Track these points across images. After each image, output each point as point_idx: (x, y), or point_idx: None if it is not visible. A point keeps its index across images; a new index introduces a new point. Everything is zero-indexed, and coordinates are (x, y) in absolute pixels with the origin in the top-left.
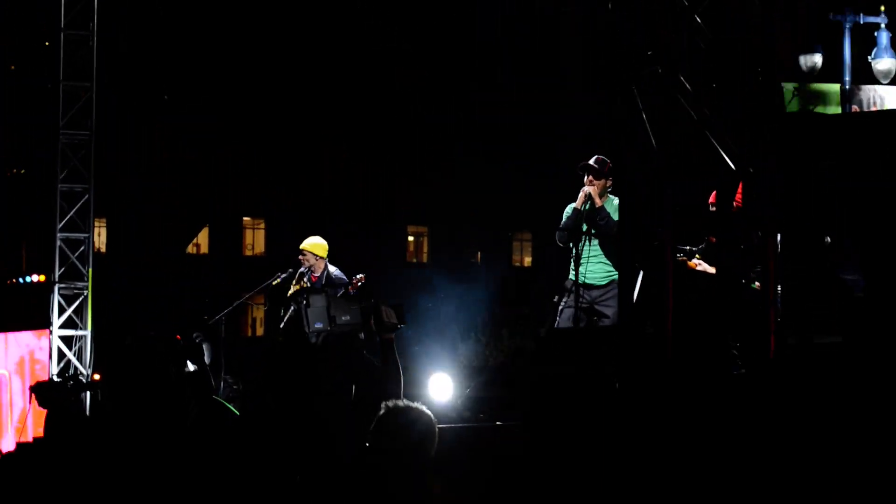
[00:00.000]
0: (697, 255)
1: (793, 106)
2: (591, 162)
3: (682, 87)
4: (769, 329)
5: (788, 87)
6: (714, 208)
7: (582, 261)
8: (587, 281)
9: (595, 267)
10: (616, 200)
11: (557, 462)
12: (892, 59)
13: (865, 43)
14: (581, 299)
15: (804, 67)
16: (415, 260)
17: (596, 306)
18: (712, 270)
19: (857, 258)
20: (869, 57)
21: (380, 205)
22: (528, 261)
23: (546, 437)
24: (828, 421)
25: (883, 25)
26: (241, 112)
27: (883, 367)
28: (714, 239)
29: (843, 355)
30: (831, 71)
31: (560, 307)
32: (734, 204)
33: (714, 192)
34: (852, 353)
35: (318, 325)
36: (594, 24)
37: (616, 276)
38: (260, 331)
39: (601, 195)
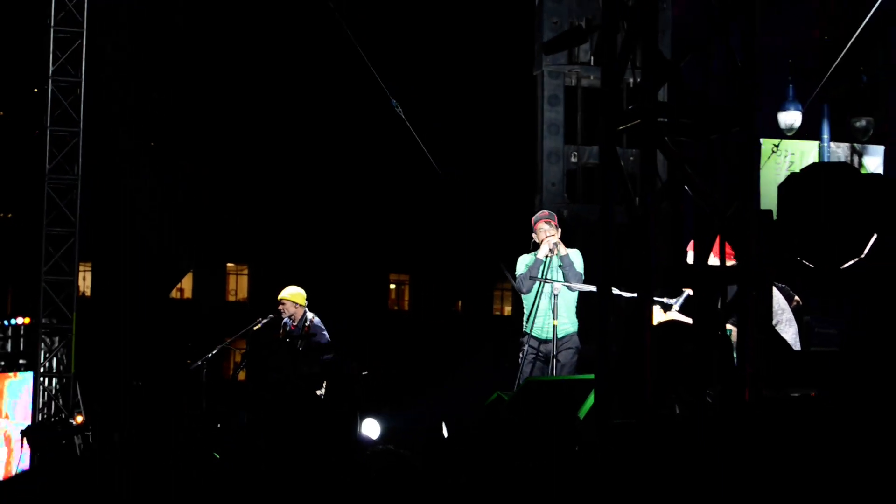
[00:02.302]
0: (675, 309)
1: (771, 162)
2: (546, 217)
3: (661, 142)
4: (745, 379)
5: (768, 143)
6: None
7: (541, 314)
8: (542, 336)
9: (549, 321)
10: (578, 253)
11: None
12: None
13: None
14: (536, 352)
15: (783, 125)
16: (396, 307)
17: (552, 358)
18: (688, 321)
19: (834, 313)
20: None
21: (363, 252)
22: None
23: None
24: (795, 473)
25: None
26: (225, 158)
27: (858, 421)
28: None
29: (818, 408)
30: (810, 128)
31: (522, 366)
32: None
33: (692, 243)
34: (827, 407)
35: (277, 376)
36: None
37: (571, 331)
38: (242, 375)
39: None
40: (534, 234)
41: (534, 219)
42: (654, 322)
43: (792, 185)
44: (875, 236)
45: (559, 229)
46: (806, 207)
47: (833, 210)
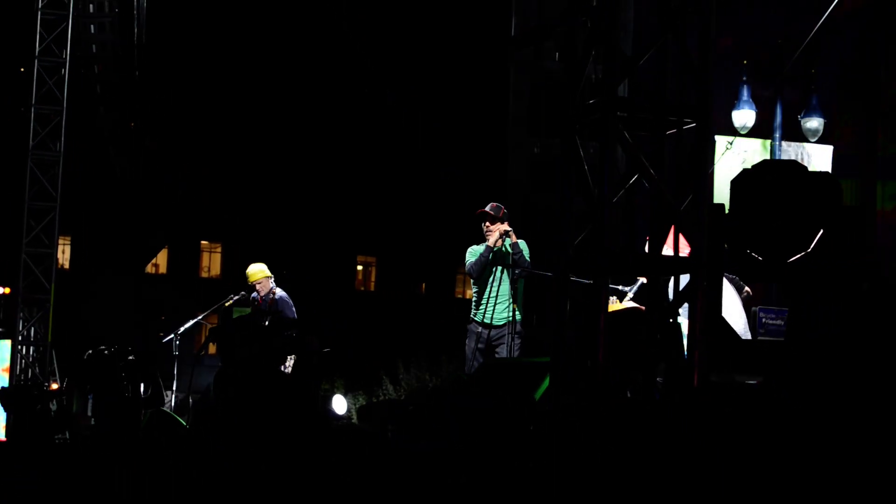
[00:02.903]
0: (629, 297)
1: (725, 159)
2: (487, 209)
3: (620, 136)
4: (693, 365)
5: (722, 140)
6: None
7: (489, 301)
8: (489, 322)
9: (497, 307)
10: (524, 242)
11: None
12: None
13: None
14: (486, 339)
15: (737, 124)
16: (363, 288)
17: (493, 345)
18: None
19: (784, 303)
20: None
21: (331, 233)
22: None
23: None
24: (738, 454)
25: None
26: (201, 141)
27: (803, 409)
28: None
29: (763, 395)
30: (763, 127)
31: (468, 352)
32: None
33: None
34: (772, 394)
35: (242, 351)
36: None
37: (518, 317)
38: (212, 348)
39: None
40: (483, 225)
41: (480, 211)
42: (616, 310)
43: (743, 181)
44: (821, 231)
45: (506, 220)
46: (756, 202)
47: (782, 205)
